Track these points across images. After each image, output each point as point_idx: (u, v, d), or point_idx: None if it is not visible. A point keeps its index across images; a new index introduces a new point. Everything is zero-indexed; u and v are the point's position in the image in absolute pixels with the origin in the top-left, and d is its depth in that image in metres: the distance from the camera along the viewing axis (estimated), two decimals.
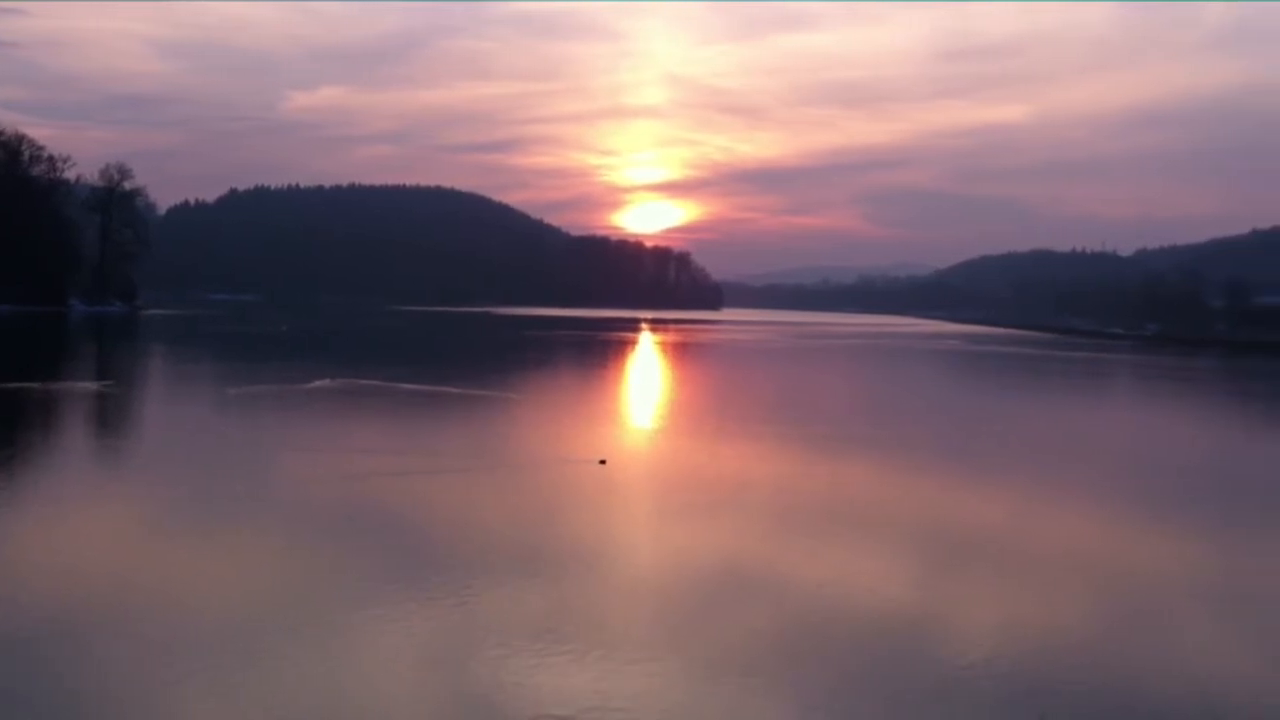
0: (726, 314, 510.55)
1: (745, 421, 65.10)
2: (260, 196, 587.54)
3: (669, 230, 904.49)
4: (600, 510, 38.22)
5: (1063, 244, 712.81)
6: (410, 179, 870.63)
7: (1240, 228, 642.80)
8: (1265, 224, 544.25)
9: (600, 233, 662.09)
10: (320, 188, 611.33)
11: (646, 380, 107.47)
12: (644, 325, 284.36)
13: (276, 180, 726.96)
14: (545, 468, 45.51)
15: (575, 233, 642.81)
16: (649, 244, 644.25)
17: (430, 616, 24.54)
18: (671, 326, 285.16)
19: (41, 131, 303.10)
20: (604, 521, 36.48)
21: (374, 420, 62.49)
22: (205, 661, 21.04)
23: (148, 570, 28.08)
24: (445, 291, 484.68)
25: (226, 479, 40.97)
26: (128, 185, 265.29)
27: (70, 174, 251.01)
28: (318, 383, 79.38)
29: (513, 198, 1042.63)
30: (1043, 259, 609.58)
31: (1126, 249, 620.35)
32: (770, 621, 25.17)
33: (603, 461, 46.73)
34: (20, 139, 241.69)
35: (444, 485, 41.41)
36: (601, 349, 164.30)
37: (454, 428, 60.41)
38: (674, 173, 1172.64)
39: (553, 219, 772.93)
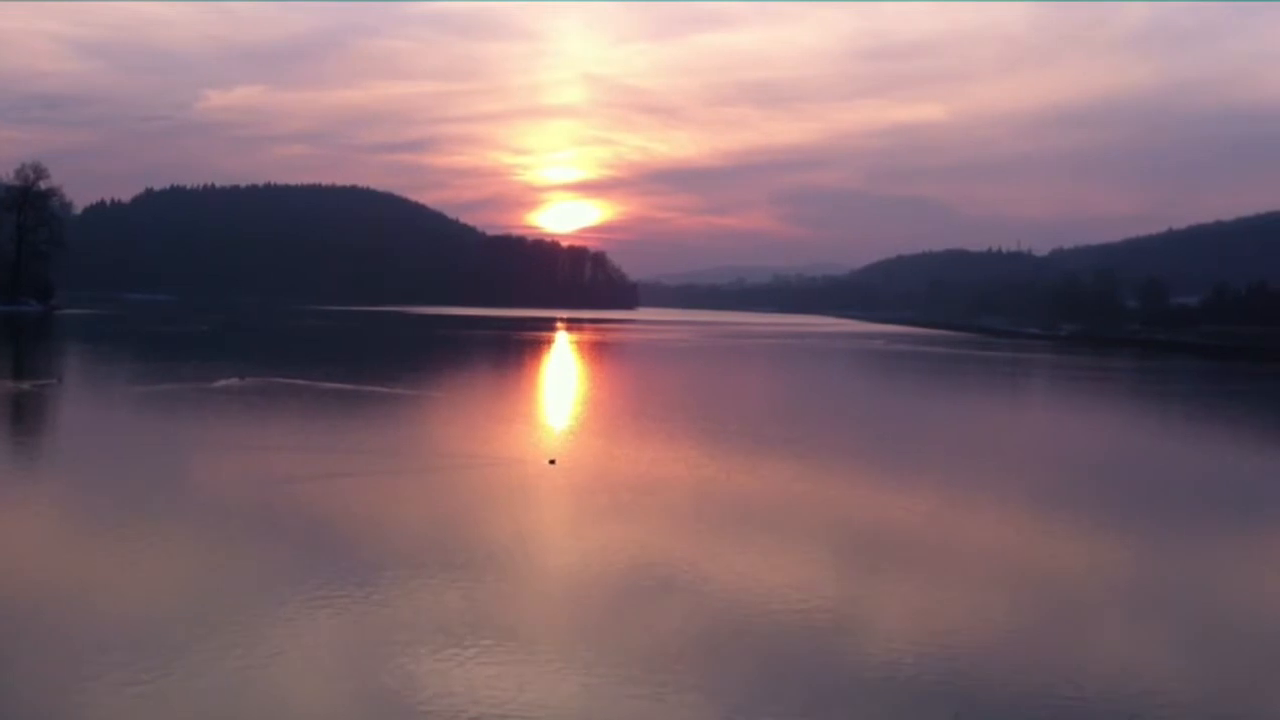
0: (642, 313, 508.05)
1: (670, 422, 65.48)
2: (176, 196, 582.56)
3: (585, 230, 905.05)
4: (571, 509, 39.37)
5: (979, 243, 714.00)
6: (326, 178, 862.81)
7: (1156, 227, 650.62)
8: (1180, 224, 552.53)
9: (516, 232, 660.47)
10: (236, 187, 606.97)
11: (567, 381, 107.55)
12: (560, 325, 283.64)
13: (192, 180, 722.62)
14: (498, 467, 46.02)
15: (491, 232, 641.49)
16: (565, 244, 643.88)
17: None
18: (588, 326, 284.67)
19: None
20: (580, 519, 37.53)
21: (311, 419, 62.32)
22: (123, 662, 21.20)
23: (69, 571, 28.10)
24: (360, 291, 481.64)
25: (150, 480, 40.92)
26: (43, 185, 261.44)
27: None
28: (225, 382, 78.93)
29: (429, 197, 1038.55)
30: (958, 259, 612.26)
31: (1042, 248, 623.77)
32: (701, 616, 25.71)
33: (552, 462, 47.21)
34: None
35: (420, 485, 41.75)
36: (519, 348, 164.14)
37: (395, 428, 60.05)
38: (590, 172, 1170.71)
39: (469, 218, 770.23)
